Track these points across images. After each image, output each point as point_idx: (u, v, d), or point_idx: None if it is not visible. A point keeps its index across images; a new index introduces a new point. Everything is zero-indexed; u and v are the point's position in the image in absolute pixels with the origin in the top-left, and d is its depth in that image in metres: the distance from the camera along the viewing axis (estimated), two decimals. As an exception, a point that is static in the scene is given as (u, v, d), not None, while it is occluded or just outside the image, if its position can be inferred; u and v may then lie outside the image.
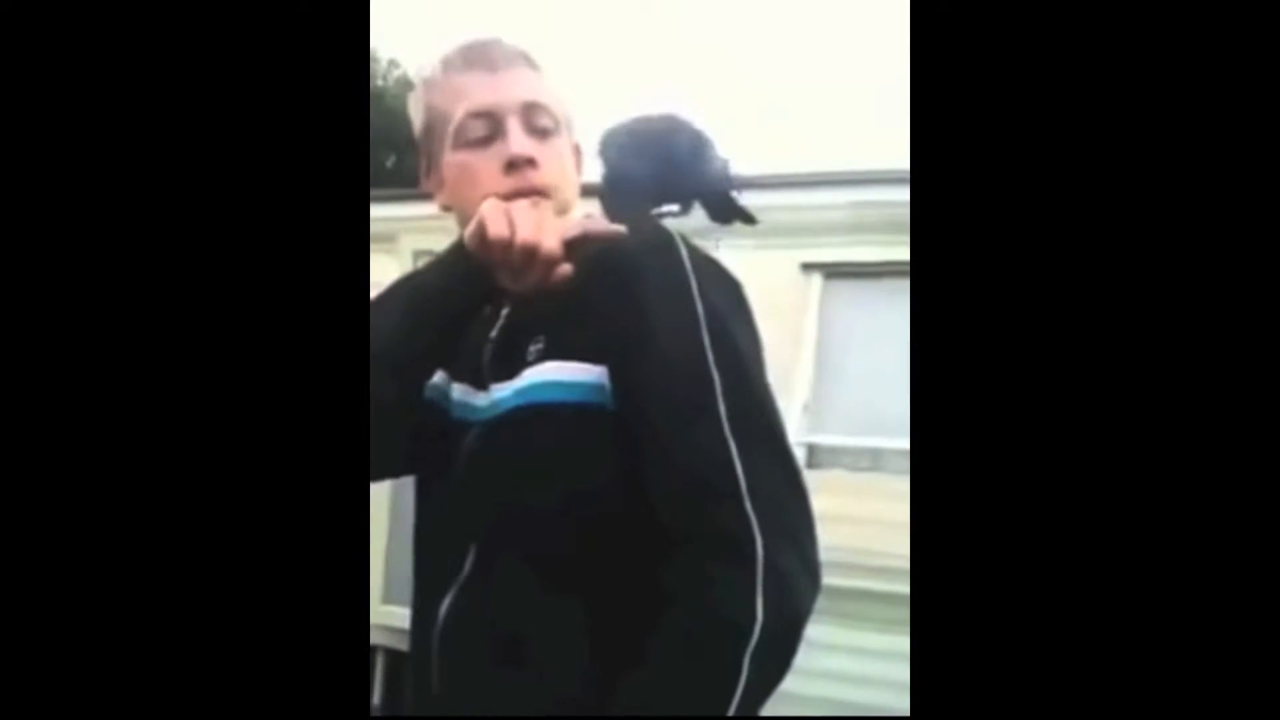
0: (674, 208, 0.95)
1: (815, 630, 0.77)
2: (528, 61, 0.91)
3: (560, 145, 0.89)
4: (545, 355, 0.81)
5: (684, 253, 0.81)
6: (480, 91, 0.88)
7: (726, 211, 0.99)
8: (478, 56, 0.90)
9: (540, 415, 0.80)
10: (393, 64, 14.18)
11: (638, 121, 0.95)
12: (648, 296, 0.78)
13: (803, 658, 0.76)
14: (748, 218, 1.01)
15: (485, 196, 0.85)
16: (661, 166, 0.94)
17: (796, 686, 0.77)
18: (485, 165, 0.87)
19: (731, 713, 0.69)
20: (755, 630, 0.69)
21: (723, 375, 0.76)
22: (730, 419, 0.74)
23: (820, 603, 0.77)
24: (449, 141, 0.89)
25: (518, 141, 0.86)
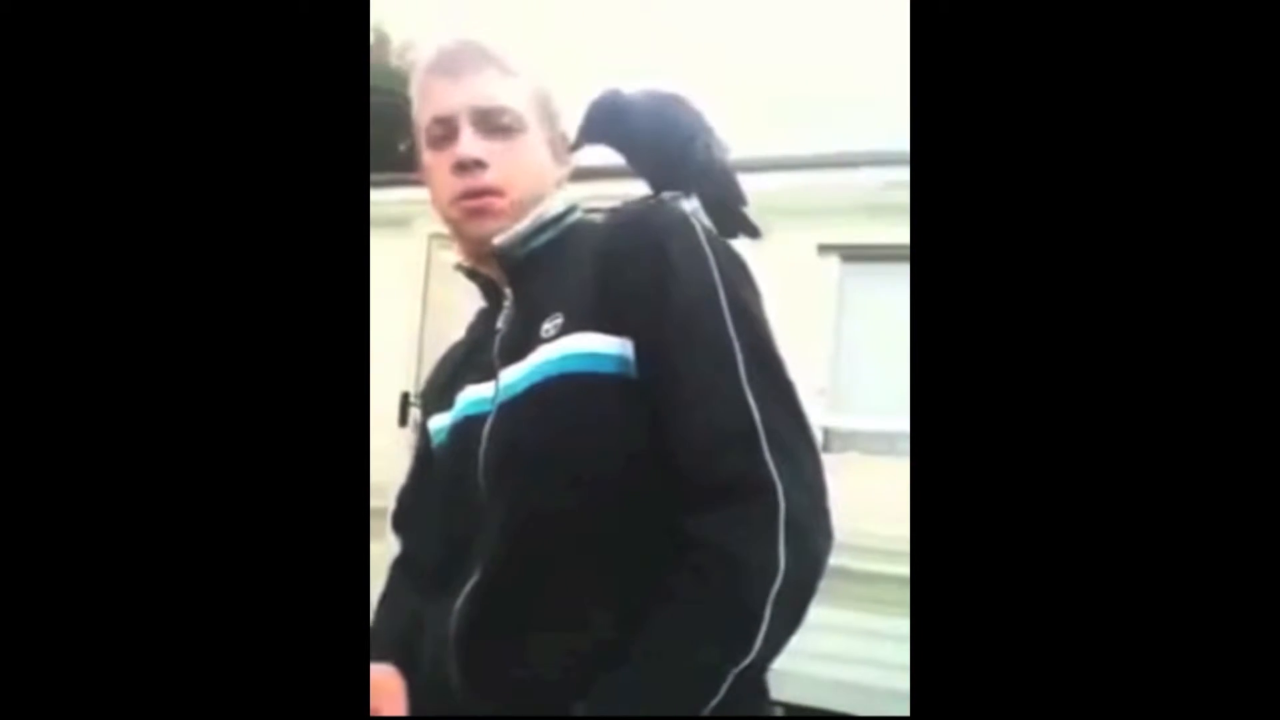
0: (675, 194, 0.97)
1: (830, 613, 0.77)
2: (494, 63, 0.93)
3: (523, 145, 0.93)
4: (565, 330, 0.84)
5: (699, 230, 0.86)
6: (441, 97, 0.93)
7: (733, 224, 1.00)
8: (442, 61, 0.94)
9: (565, 386, 0.83)
10: (406, 46, 14.16)
11: (640, 92, 0.95)
12: (672, 269, 0.82)
13: (819, 640, 0.76)
14: (752, 231, 1.01)
15: (440, 196, 0.93)
16: (666, 142, 0.95)
17: (812, 669, 0.77)
18: (440, 166, 0.93)
19: (751, 656, 0.73)
20: (779, 576, 0.73)
21: (740, 339, 0.80)
22: (749, 379, 0.79)
23: (837, 585, 0.77)
24: (423, 142, 0.95)
25: (467, 143, 0.91)
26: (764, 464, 0.76)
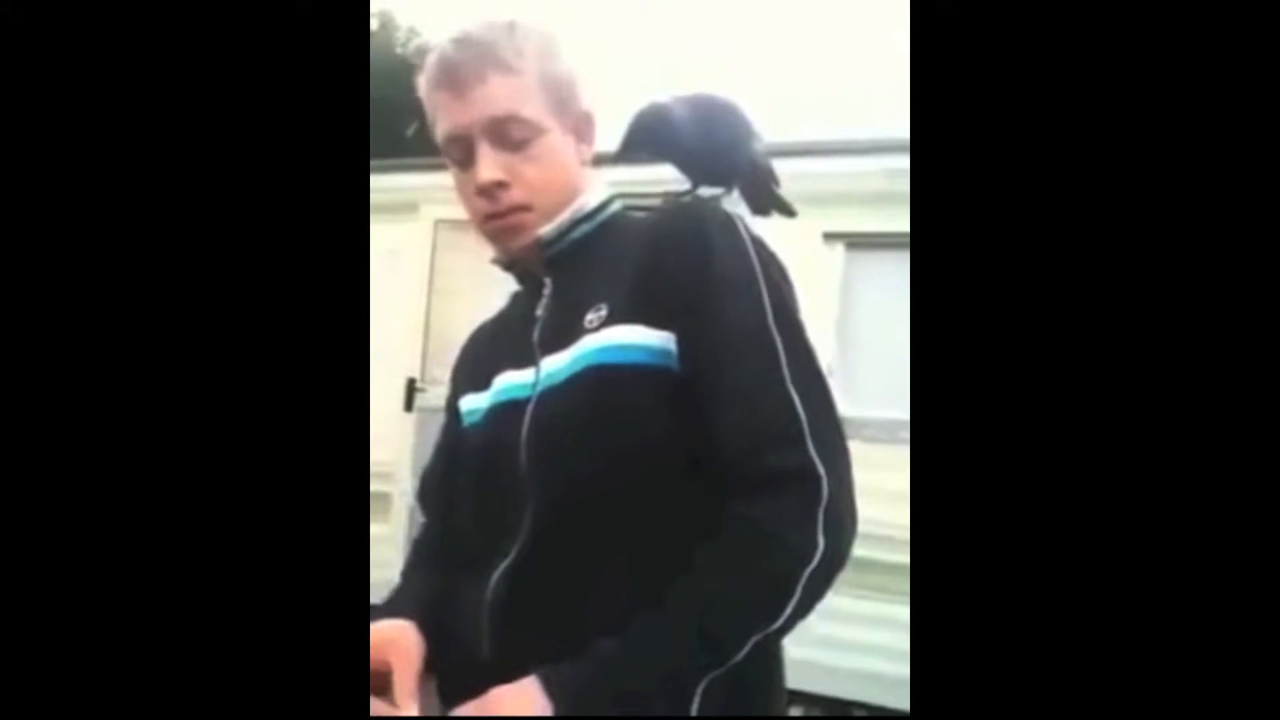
0: (718, 190, 0.98)
1: (836, 600, 0.79)
2: (497, 65, 0.90)
3: (543, 148, 0.92)
4: (609, 321, 0.86)
5: (742, 228, 0.88)
6: (450, 114, 0.92)
7: (766, 202, 1.01)
8: (444, 75, 0.92)
9: (607, 376, 0.85)
10: (412, 32, 14.11)
11: (683, 101, 0.96)
12: (717, 267, 0.85)
13: (825, 628, 0.77)
14: (787, 210, 1.02)
15: (470, 214, 0.93)
16: (710, 147, 0.96)
17: (817, 655, 0.78)
18: (467, 188, 0.93)
19: (776, 626, 0.76)
20: (816, 557, 0.76)
21: (781, 335, 0.83)
22: (791, 374, 0.82)
23: (842, 573, 0.79)
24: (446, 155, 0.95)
25: (486, 167, 0.90)
26: (809, 456, 0.79)
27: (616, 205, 0.98)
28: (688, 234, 0.87)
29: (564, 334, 0.89)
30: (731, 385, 0.82)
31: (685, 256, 0.86)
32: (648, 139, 0.94)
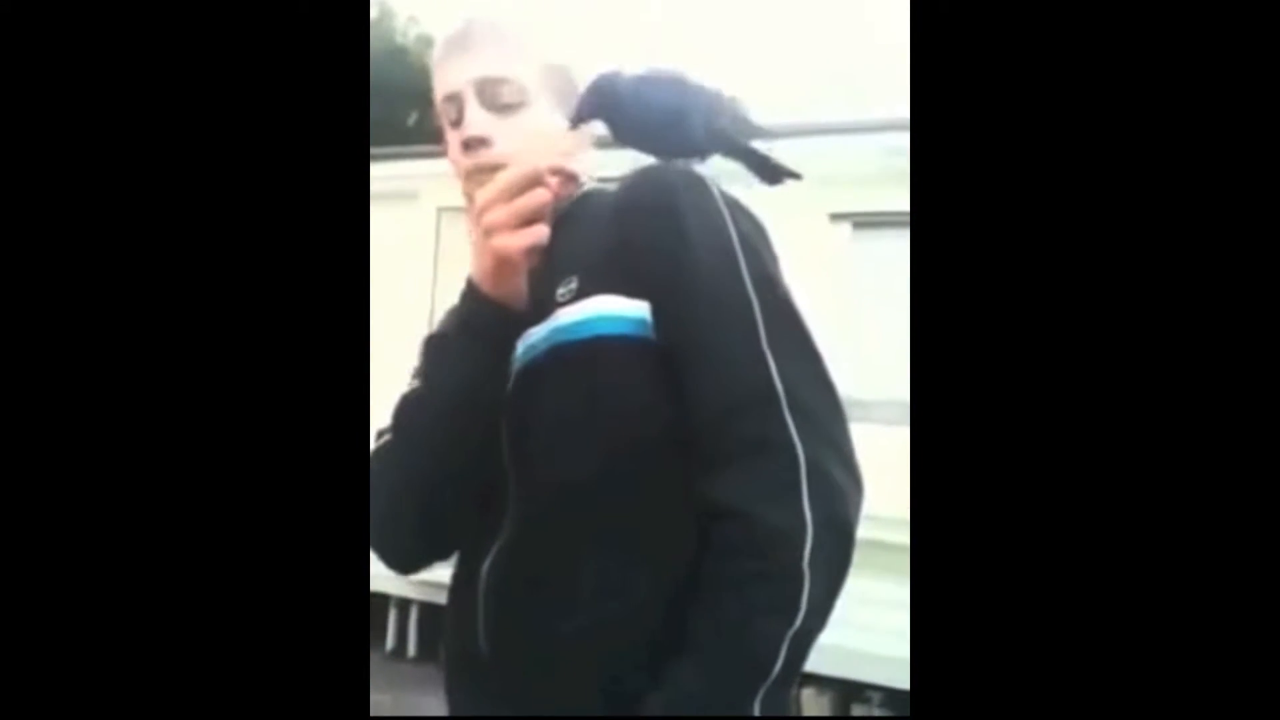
0: (686, 161, 0.96)
1: (847, 582, 0.77)
2: (502, 38, 0.93)
3: (529, 118, 0.93)
4: (581, 293, 0.84)
5: (715, 191, 0.86)
6: (446, 74, 0.94)
7: (772, 172, 0.99)
8: (452, 40, 0.95)
9: (586, 348, 0.83)
10: (412, 21, 14.08)
11: (630, 78, 0.94)
12: (689, 231, 0.83)
13: (836, 610, 0.76)
14: (792, 174, 1.00)
15: (458, 173, 0.93)
16: (653, 118, 0.94)
17: (828, 638, 0.77)
18: (453, 144, 0.94)
19: (800, 618, 0.73)
20: (808, 535, 0.73)
21: (759, 298, 0.80)
22: (769, 338, 0.79)
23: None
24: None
25: (471, 121, 0.92)
26: (784, 424, 0.75)
27: (586, 182, 0.97)
28: (657, 200, 0.85)
29: (536, 309, 0.87)
30: (706, 352, 0.79)
31: (655, 223, 0.84)
32: (597, 104, 0.93)
